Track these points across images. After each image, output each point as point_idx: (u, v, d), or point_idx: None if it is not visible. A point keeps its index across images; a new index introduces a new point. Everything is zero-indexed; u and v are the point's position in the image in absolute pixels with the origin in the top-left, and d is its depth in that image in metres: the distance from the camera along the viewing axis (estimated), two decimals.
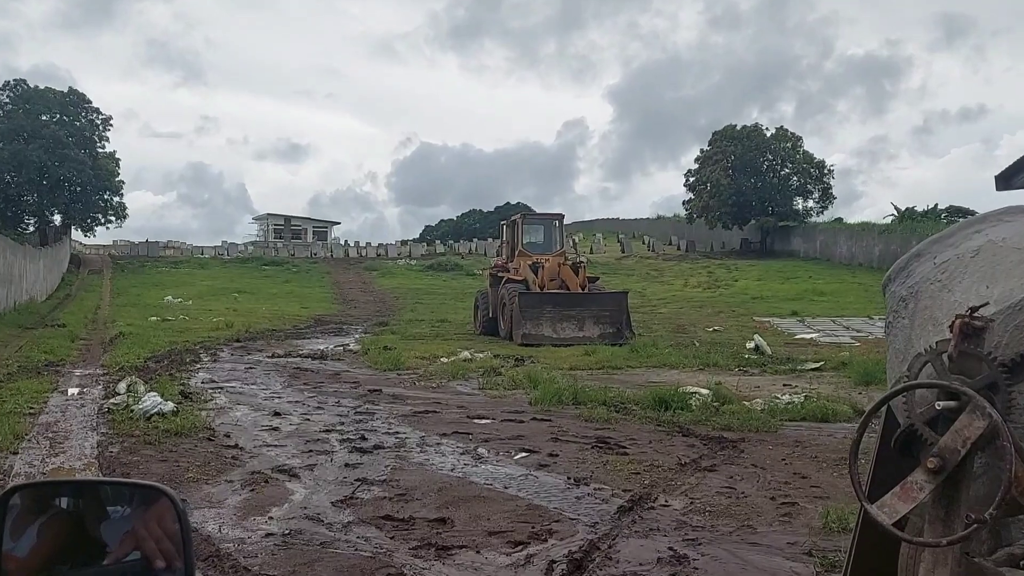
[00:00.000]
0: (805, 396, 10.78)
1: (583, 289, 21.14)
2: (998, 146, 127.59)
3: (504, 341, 20.91)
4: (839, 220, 57.32)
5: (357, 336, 22.67)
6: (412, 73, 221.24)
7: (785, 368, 14.64)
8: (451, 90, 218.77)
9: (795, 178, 54.28)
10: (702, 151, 56.63)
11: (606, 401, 10.68)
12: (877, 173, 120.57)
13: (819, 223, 53.98)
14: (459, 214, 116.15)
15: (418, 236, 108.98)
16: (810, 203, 54.86)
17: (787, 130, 54.84)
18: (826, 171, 53.95)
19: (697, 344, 18.11)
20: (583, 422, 9.51)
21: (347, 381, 13.24)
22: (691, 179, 57.13)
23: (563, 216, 23.21)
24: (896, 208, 56.65)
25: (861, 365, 13.59)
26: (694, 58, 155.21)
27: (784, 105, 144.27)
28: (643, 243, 65.64)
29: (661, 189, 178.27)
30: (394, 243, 77.07)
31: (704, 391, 11.02)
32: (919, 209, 55.33)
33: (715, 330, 23.66)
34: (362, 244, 76.46)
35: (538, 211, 24.84)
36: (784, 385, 12.71)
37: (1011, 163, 11.77)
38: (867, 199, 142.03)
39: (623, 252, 58.66)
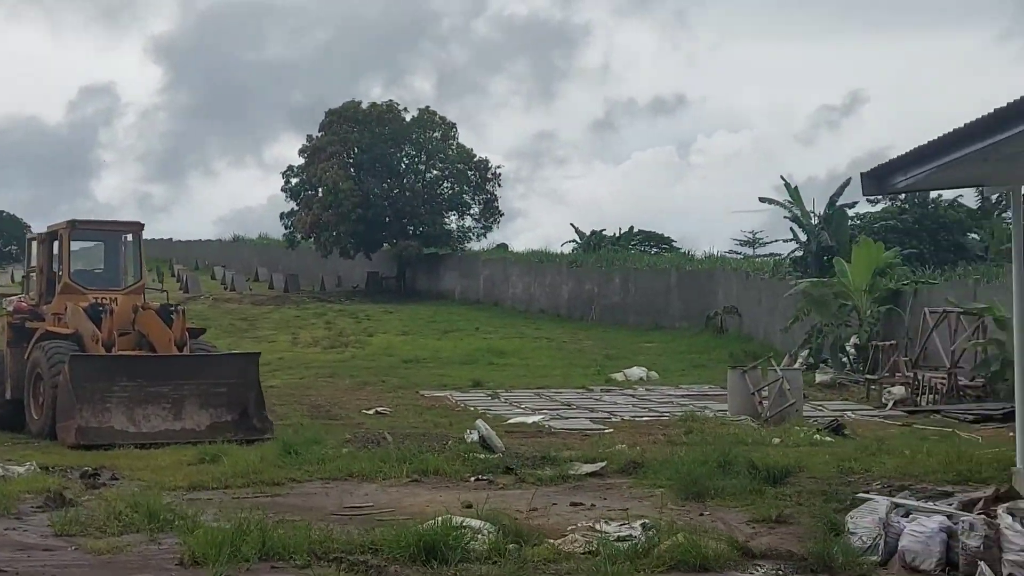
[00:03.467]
0: (643, 525, 10.04)
1: (181, 349, 19.20)
2: (690, 150, 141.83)
3: (41, 440, 18.61)
4: (503, 247, 59.76)
5: None
6: None
7: (550, 474, 14.05)
8: None
9: (447, 184, 55.51)
10: (311, 139, 56.04)
11: (316, 549, 9.47)
12: (541, 183, 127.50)
13: (482, 252, 55.56)
14: None
15: None
16: (467, 221, 56.42)
17: (435, 112, 56.22)
18: (491, 175, 55.79)
19: (389, 439, 17.01)
20: None
21: None
22: (293, 181, 56.28)
23: (142, 227, 21.25)
24: (578, 231, 60.40)
25: (672, 466, 13.37)
26: (287, 3, 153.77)
27: (417, 79, 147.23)
28: (214, 277, 63.86)
29: (238, 197, 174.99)
30: None
31: (476, 523, 10.02)
32: (608, 233, 59.40)
33: (379, 412, 22.83)
34: None
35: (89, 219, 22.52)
36: (573, 505, 12.22)
37: (888, 159, 12.16)
38: (528, 219, 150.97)
39: (186, 291, 56.24)
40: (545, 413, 22.35)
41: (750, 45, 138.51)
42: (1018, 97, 9.43)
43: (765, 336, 35.87)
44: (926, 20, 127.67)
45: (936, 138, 10.87)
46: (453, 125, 56.15)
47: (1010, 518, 8.36)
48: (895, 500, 9.56)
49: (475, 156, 55.71)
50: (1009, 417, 19.33)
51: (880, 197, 42.11)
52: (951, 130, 10.64)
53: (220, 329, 46.34)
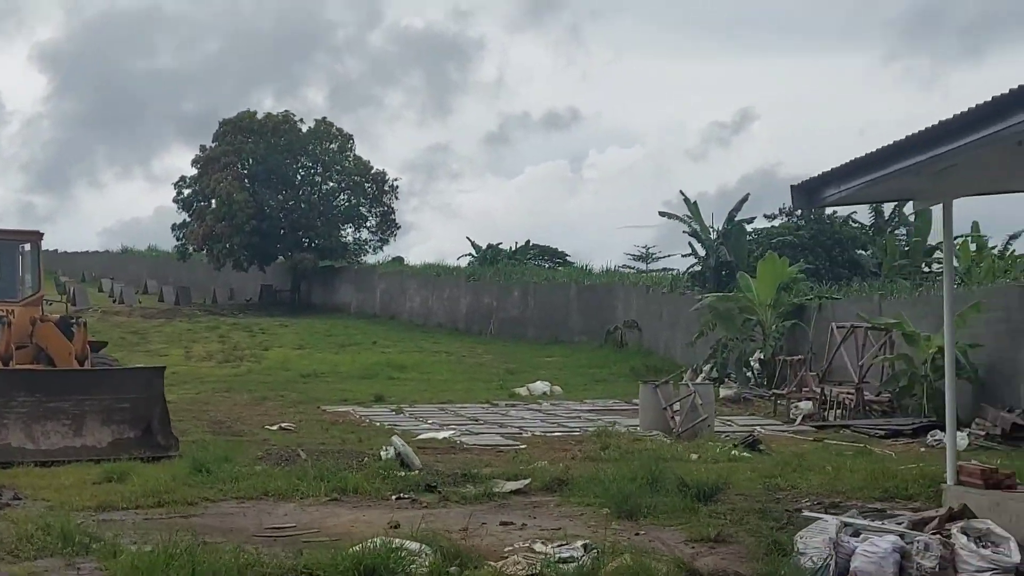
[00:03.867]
0: (584, 546, 9.75)
1: (82, 363, 18.46)
2: (583, 165, 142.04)
3: None
4: (399, 260, 59.27)
5: None
6: None
7: (474, 492, 13.68)
8: None
9: (344, 196, 54.82)
10: (204, 150, 54.94)
11: (247, 574, 9.03)
12: (435, 196, 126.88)
13: (379, 265, 54.99)
14: None
15: None
16: (364, 234, 55.80)
17: (332, 124, 55.46)
18: (388, 187, 55.22)
19: (303, 456, 16.47)
20: None
21: None
22: (186, 192, 55.14)
23: (41, 236, 20.40)
24: (475, 245, 60.05)
25: (600, 484, 13.16)
26: (177, 11, 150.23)
27: (311, 91, 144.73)
28: (102, 290, 62.33)
29: (125, 208, 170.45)
30: None
31: (414, 545, 9.63)
32: (504, 247, 59.13)
33: (283, 428, 22.26)
34: None
35: None
36: (503, 524, 11.86)
37: (820, 172, 12.01)
38: (421, 232, 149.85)
39: (74, 304, 54.65)
40: (454, 428, 21.92)
41: (643, 62, 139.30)
42: (950, 116, 9.39)
43: (666, 350, 35.93)
44: (814, 41, 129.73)
45: (869, 152, 10.80)
46: (350, 137, 55.59)
47: (965, 538, 8.25)
48: (844, 519, 9.39)
49: (372, 168, 55.14)
50: (919, 432, 19.51)
51: (777, 213, 42.54)
52: (886, 144, 10.57)
53: (111, 343, 45.01)
